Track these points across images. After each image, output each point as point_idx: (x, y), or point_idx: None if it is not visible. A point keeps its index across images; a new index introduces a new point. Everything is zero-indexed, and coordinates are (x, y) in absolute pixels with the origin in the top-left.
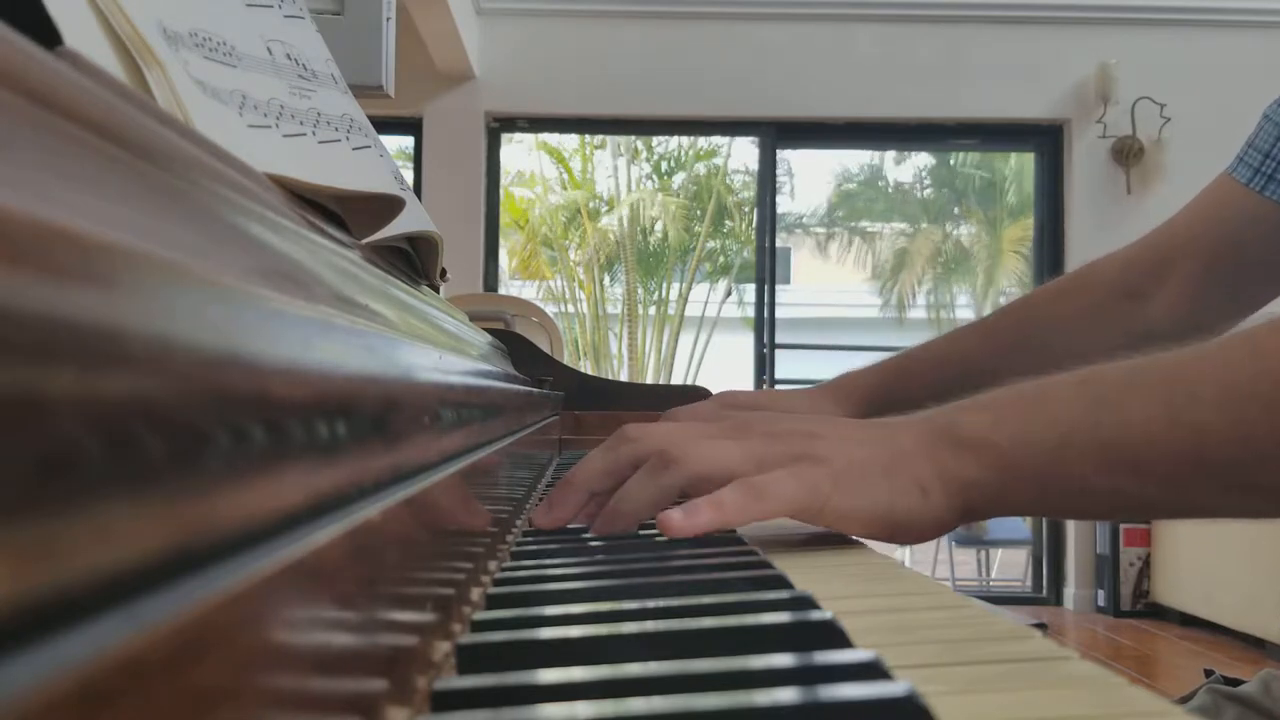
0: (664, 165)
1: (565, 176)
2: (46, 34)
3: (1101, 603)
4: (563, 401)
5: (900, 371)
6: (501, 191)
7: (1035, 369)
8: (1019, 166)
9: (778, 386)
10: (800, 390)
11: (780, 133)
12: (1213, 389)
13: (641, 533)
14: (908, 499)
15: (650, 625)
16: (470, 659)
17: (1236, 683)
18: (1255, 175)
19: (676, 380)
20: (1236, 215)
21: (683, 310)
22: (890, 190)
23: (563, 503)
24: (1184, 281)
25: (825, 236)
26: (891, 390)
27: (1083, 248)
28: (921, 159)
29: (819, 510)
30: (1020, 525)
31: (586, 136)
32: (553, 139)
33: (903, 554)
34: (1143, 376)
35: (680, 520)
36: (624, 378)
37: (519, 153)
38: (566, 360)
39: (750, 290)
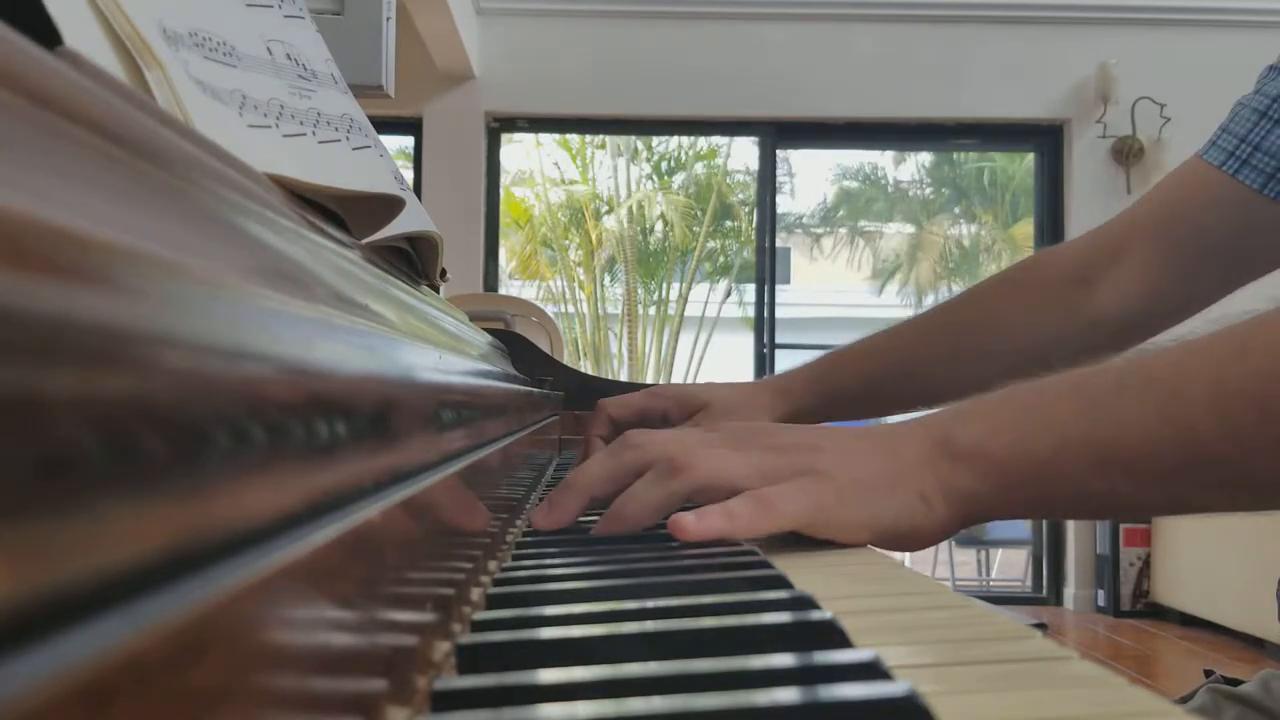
0: (664, 165)
1: (571, 172)
2: (46, 34)
3: (1101, 603)
4: (563, 401)
5: (832, 367)
6: (501, 191)
7: (981, 356)
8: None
9: None
10: (734, 384)
11: (780, 133)
12: (1202, 387)
13: (641, 533)
14: (910, 510)
15: (650, 625)
16: (470, 659)
17: (1236, 683)
18: (1229, 159)
19: (676, 380)
20: (1205, 199)
21: (683, 310)
22: (890, 189)
23: (563, 505)
24: (1139, 266)
25: (825, 236)
26: (821, 385)
27: None
28: (923, 156)
29: (824, 524)
30: (1020, 525)
31: (586, 136)
32: (556, 135)
33: (903, 554)
34: (1134, 378)
35: (693, 524)
36: (624, 378)
37: (519, 153)
38: (566, 360)
39: (750, 290)
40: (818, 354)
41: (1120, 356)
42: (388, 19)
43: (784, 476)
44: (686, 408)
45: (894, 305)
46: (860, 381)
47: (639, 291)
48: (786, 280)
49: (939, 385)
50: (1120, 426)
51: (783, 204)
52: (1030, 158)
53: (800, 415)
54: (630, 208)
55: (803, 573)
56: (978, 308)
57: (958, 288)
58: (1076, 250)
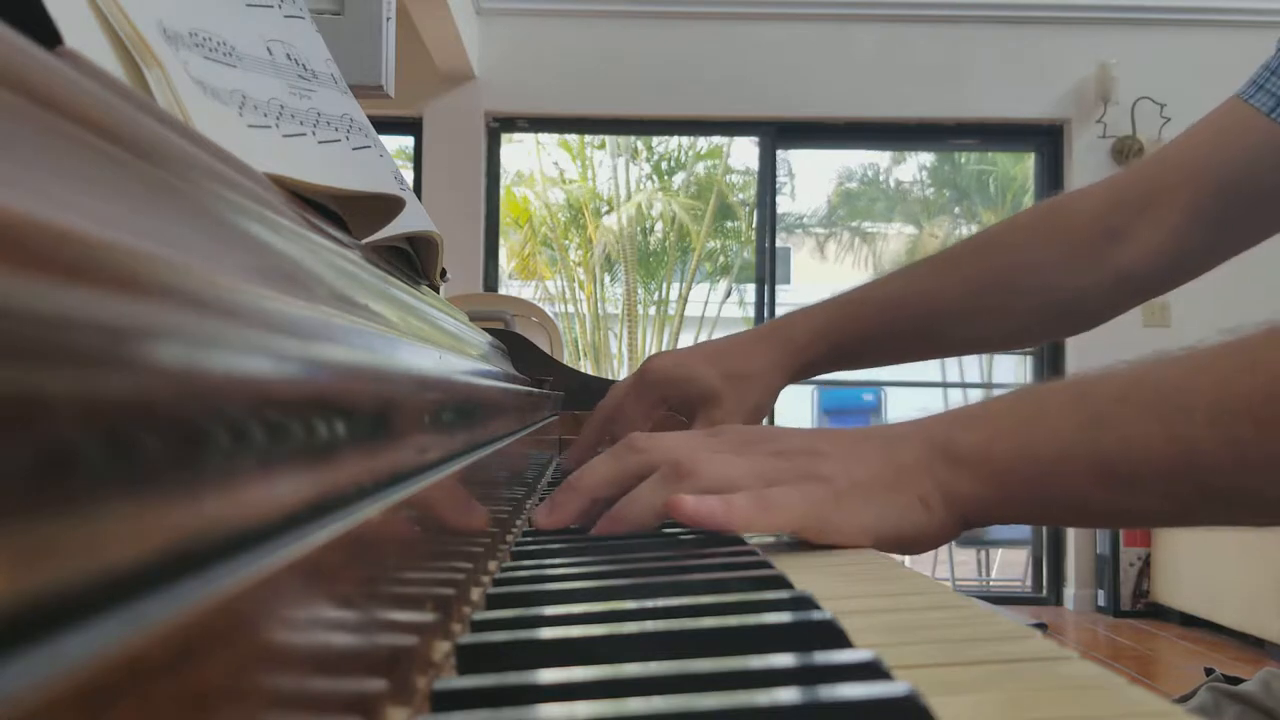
0: (664, 165)
1: (571, 172)
2: (46, 34)
3: (1101, 603)
4: (563, 401)
5: (845, 315)
6: (502, 191)
7: (1002, 310)
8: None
9: None
10: (732, 345)
11: (780, 133)
12: (1207, 404)
13: (641, 534)
14: (910, 514)
15: (650, 625)
16: (470, 659)
17: (1237, 681)
18: (1279, 105)
19: None
20: (1251, 144)
21: (683, 310)
22: (891, 190)
23: (565, 505)
24: (1174, 216)
25: (826, 236)
26: (834, 334)
27: None
28: (924, 157)
29: (822, 528)
30: (1020, 525)
31: (586, 136)
32: (553, 140)
33: (902, 555)
34: (1138, 391)
35: (691, 504)
36: (624, 377)
37: (519, 152)
38: (566, 360)
39: (750, 290)
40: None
41: (1126, 363)
42: (388, 19)
43: (786, 481)
44: (687, 394)
45: None
46: (874, 330)
47: (639, 291)
48: (787, 280)
49: (959, 337)
50: (1122, 439)
51: (783, 205)
52: (1030, 160)
53: (812, 366)
54: (639, 205)
55: (803, 573)
56: (999, 256)
57: None
58: (1100, 198)
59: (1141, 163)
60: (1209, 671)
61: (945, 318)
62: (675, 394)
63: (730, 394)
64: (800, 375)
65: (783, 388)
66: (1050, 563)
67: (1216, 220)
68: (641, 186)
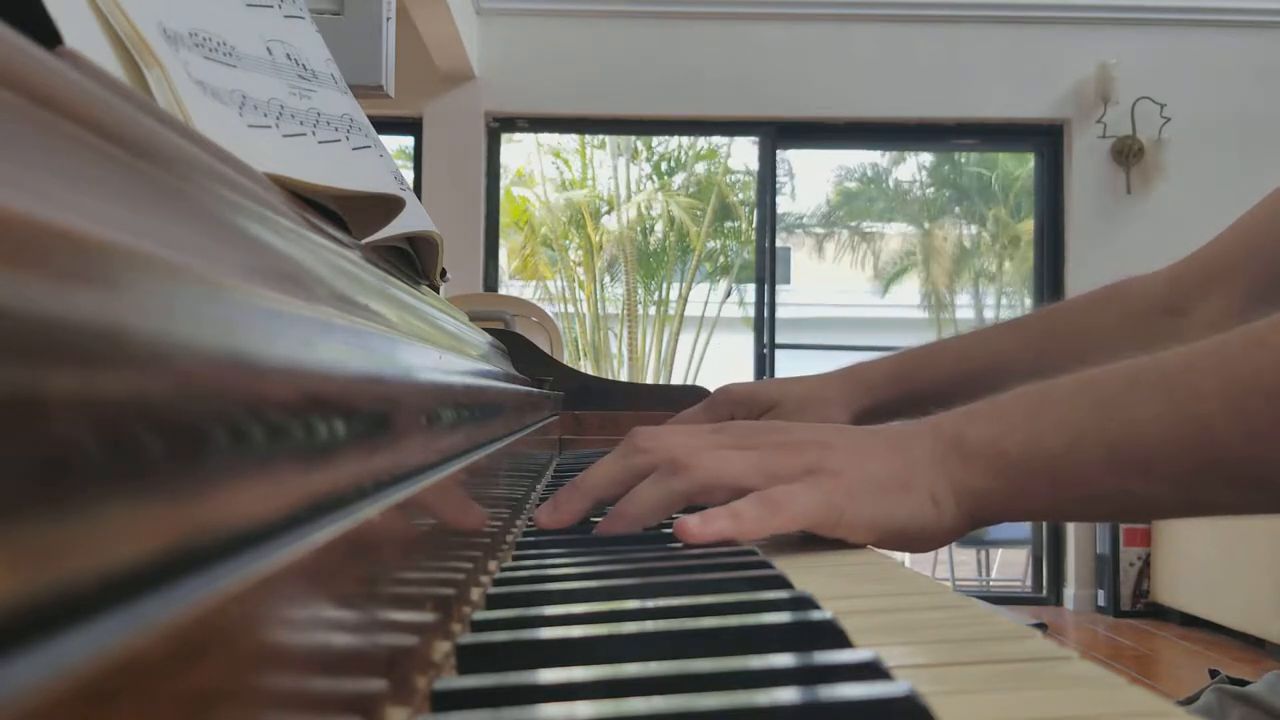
0: (664, 165)
1: (568, 176)
2: (46, 34)
3: (1101, 603)
4: (563, 401)
5: (918, 362)
6: (502, 191)
7: (1063, 372)
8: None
9: None
10: (805, 377)
11: (780, 133)
12: (1216, 383)
13: (641, 533)
14: (921, 511)
15: (650, 625)
16: (470, 659)
17: (1243, 683)
18: None
19: (676, 380)
20: None
21: (683, 310)
22: (891, 190)
23: (568, 505)
24: (1234, 293)
25: (825, 236)
26: (907, 380)
27: (1083, 247)
28: (924, 157)
29: (834, 524)
30: (1020, 525)
31: (586, 136)
32: (552, 140)
33: (903, 554)
34: (1147, 375)
35: (696, 527)
36: (624, 378)
37: (520, 153)
38: (566, 360)
39: (750, 290)
40: (819, 352)
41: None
42: (388, 19)
43: (791, 475)
44: (753, 409)
45: (898, 306)
46: (944, 380)
47: (639, 291)
48: (787, 280)
49: None
50: (1132, 423)
51: (783, 205)
52: (1031, 160)
53: (880, 409)
54: (638, 206)
55: (803, 573)
56: (1063, 322)
57: (961, 289)
58: (1162, 279)
59: (1204, 246)
60: (1214, 673)
61: (1011, 376)
62: (743, 412)
63: (796, 412)
64: (869, 416)
65: (851, 423)
66: (1050, 563)
67: (1272, 304)
68: (641, 187)
